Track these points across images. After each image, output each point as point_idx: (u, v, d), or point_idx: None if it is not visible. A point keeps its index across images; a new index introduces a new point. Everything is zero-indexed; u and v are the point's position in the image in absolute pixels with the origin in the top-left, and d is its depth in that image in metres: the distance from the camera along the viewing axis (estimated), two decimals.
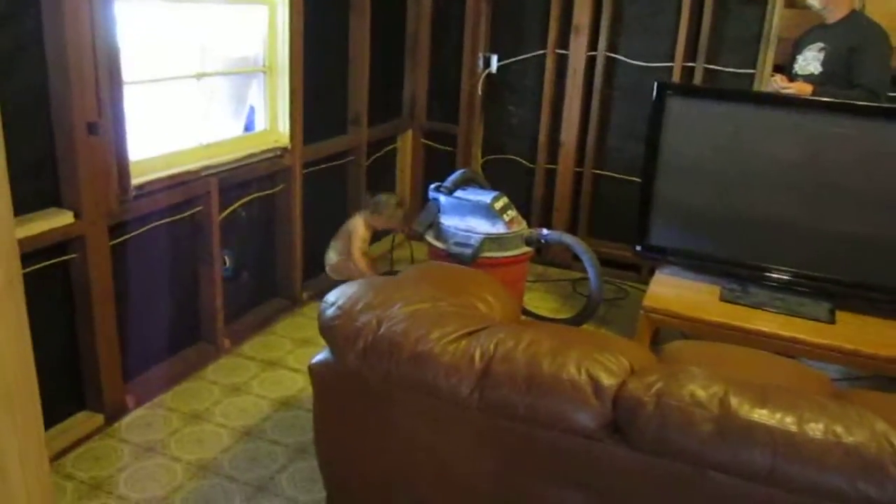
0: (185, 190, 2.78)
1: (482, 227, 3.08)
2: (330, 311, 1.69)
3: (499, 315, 1.81)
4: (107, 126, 2.36)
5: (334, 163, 3.75)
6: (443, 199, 3.19)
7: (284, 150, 3.29)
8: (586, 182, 4.10)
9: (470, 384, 1.50)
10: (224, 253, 3.08)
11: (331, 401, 1.80)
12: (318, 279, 3.73)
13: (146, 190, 2.60)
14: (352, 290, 1.73)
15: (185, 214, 2.87)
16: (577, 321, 3.34)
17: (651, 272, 4.05)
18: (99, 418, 2.54)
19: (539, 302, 3.77)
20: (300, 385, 2.90)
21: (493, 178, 4.24)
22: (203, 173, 2.86)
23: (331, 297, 1.75)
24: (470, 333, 1.58)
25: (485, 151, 4.34)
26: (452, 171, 4.28)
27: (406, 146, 4.41)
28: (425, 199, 4.43)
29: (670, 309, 2.83)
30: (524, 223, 3.21)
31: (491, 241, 3.05)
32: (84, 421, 2.52)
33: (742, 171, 2.91)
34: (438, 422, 1.61)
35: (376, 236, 3.81)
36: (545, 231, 3.17)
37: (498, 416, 1.51)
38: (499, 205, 3.12)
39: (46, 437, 1.59)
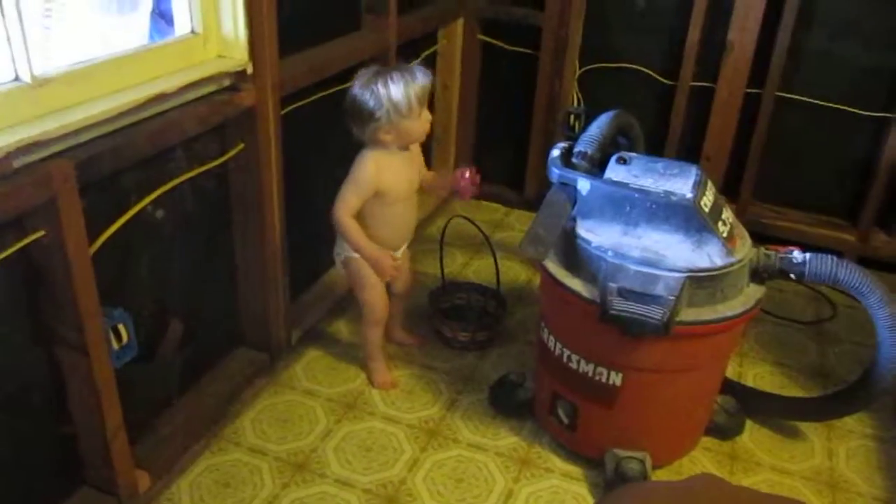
0: None
1: (678, 251, 1.43)
2: None
3: None
4: None
5: (338, 88, 2.00)
6: (583, 183, 1.51)
7: (241, 73, 1.56)
8: (764, 112, 2.40)
9: None
10: (113, 316, 1.41)
11: None
12: (311, 301, 2.09)
13: None
14: None
15: (3, 255, 1.18)
16: (830, 410, 1.75)
17: (866, 261, 2.33)
18: None
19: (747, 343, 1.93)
20: None
21: (594, 100, 2.56)
22: (30, 156, 1.15)
23: None
24: None
25: (584, 57, 2.58)
26: (528, 88, 2.57)
27: (453, 47, 2.63)
28: (482, 141, 2.76)
29: None
30: (747, 235, 1.56)
31: (697, 283, 1.41)
32: None
33: None
34: None
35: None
36: (797, 254, 1.51)
37: None
38: (707, 200, 1.46)
39: None
